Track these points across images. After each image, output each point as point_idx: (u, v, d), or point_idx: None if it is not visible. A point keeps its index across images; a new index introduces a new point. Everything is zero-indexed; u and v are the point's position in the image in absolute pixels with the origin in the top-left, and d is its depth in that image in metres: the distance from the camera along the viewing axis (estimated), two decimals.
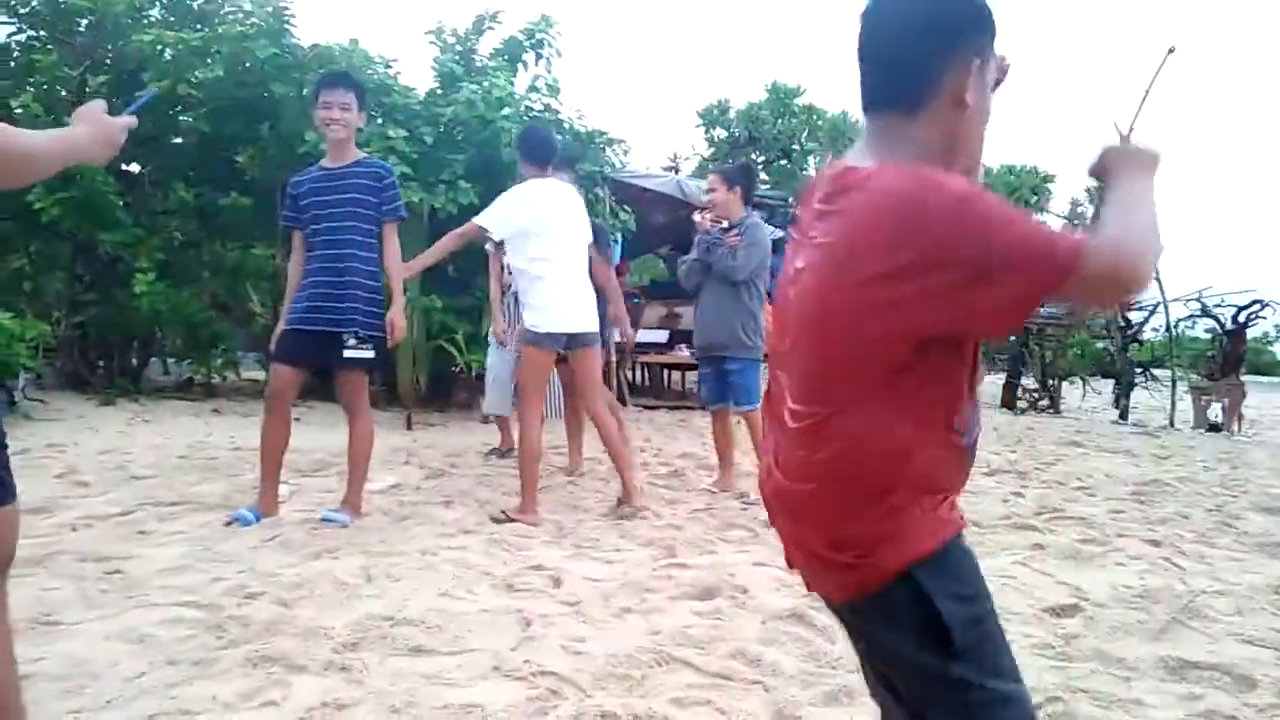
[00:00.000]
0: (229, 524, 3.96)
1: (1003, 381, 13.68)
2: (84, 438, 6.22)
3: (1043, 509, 5.06)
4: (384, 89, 8.44)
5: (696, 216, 5.43)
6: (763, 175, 17.58)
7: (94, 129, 1.74)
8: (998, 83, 1.35)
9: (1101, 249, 1.12)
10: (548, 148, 4.73)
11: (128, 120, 1.81)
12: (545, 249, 4.47)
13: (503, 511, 4.41)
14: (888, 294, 1.17)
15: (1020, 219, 1.16)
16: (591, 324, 4.65)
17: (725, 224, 5.20)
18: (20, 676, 2.25)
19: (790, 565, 1.43)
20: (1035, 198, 13.36)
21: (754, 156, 16.44)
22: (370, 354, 4.12)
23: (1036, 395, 13.75)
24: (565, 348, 4.62)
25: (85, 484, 4.73)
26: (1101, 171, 1.32)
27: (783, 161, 21.19)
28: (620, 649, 2.70)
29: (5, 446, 1.69)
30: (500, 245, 4.89)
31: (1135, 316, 13.34)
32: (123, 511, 4.14)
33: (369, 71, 8.45)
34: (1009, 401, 13.48)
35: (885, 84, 1.31)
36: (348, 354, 4.04)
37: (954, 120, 1.29)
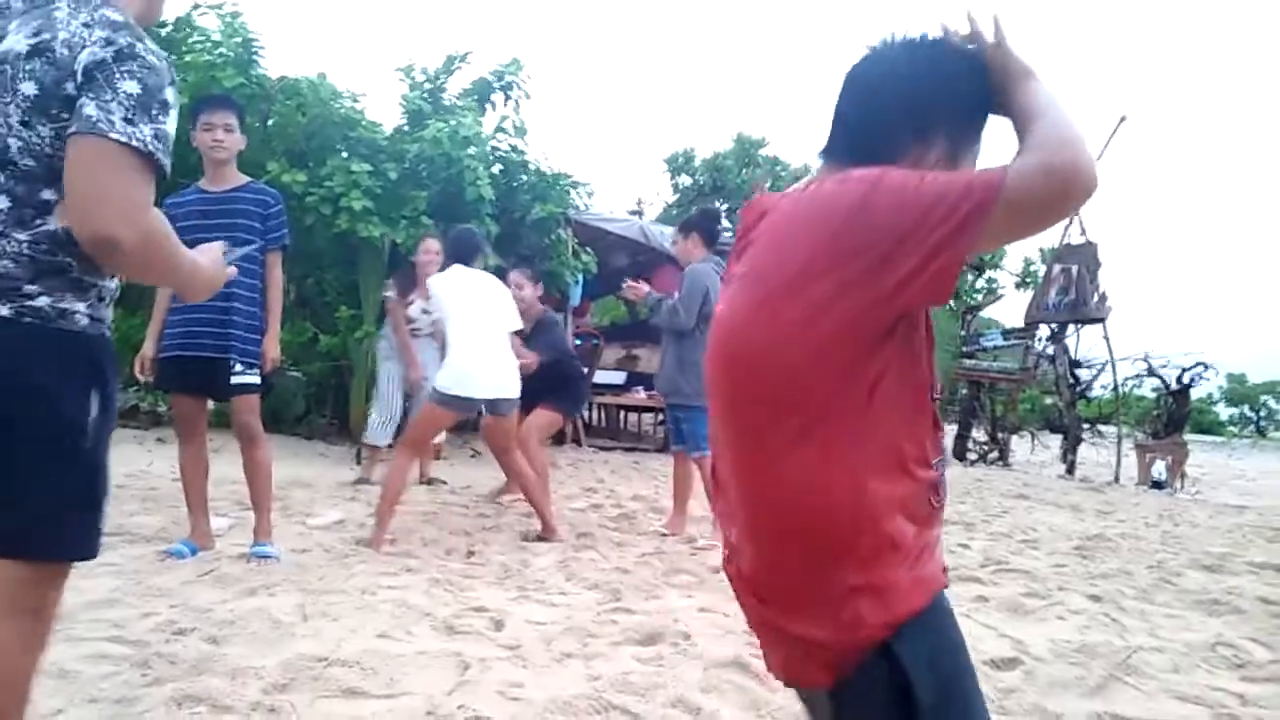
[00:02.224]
0: (164, 558, 3.86)
1: (954, 433, 13.85)
2: None
3: (988, 561, 5.10)
4: (350, 123, 8.43)
5: (625, 285, 5.69)
6: (725, 223, 17.72)
7: (209, 273, 1.75)
8: None
9: (1025, 161, 1.09)
10: (466, 242, 5.22)
11: (231, 271, 1.86)
12: (459, 329, 4.85)
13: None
14: (819, 291, 1.13)
15: (930, 176, 1.13)
16: (507, 391, 4.94)
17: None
18: None
19: (768, 665, 1.32)
20: (990, 255, 13.64)
21: (718, 204, 16.62)
22: (257, 379, 4.04)
23: (987, 448, 13.93)
24: (481, 412, 5.04)
25: None
26: (998, 89, 1.25)
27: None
28: (559, 695, 2.65)
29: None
30: (402, 293, 6.07)
31: (1084, 375, 13.63)
32: None
33: (336, 105, 8.44)
34: (959, 453, 13.64)
35: (848, 140, 1.29)
36: (235, 380, 3.95)
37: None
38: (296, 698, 2.51)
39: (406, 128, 9.03)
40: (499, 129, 9.45)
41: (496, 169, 9.26)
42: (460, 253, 5.16)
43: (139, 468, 6.34)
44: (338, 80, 8.99)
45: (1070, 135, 1.11)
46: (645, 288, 5.48)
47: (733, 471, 1.26)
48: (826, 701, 1.23)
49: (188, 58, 8.31)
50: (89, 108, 1.48)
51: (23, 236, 1.52)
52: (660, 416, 11.12)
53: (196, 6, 8.86)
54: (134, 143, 1.48)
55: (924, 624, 1.16)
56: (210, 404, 4.23)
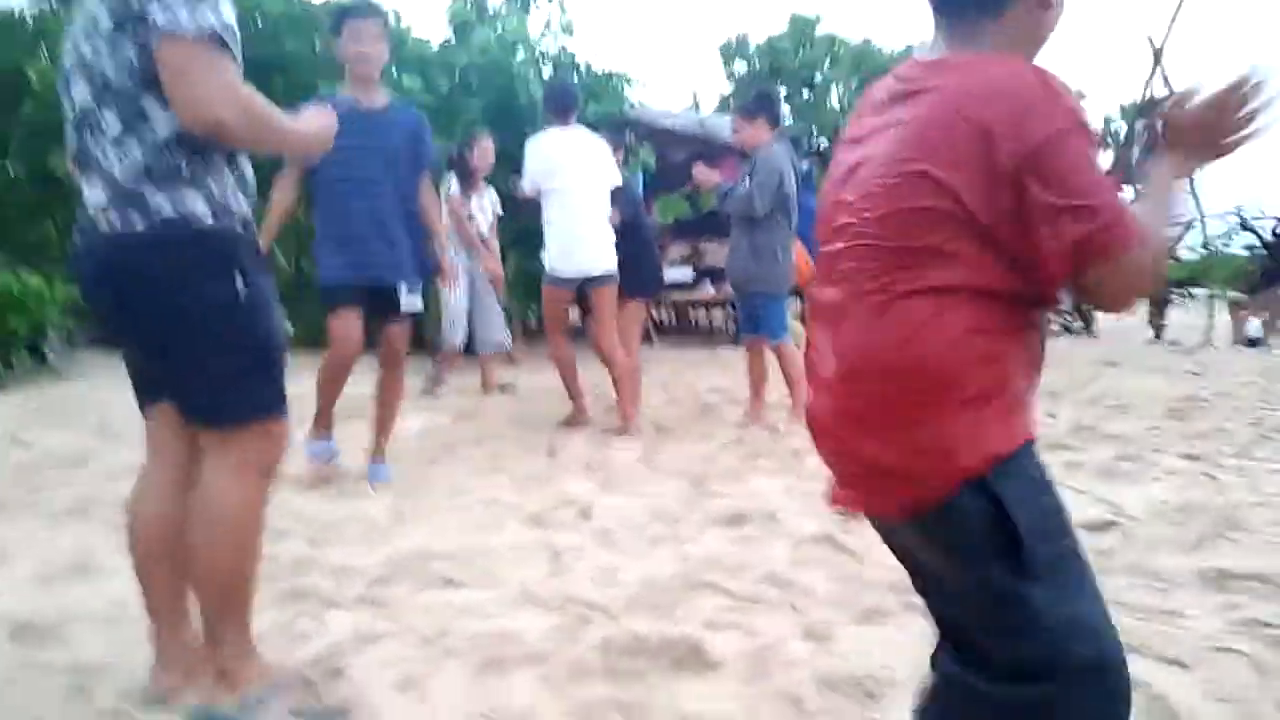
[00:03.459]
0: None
1: None
2: (113, 393, 6.28)
3: (1078, 428, 4.98)
4: (399, 38, 8.33)
5: (697, 171, 5.42)
6: (785, 108, 17.23)
7: (319, 127, 1.98)
8: None
9: (1149, 249, 1.14)
10: (565, 98, 5.03)
11: (333, 121, 2.03)
12: (560, 195, 4.78)
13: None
14: (965, 178, 1.14)
15: (1104, 172, 1.15)
16: (605, 266, 4.93)
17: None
18: (56, 619, 2.33)
19: (842, 488, 1.32)
20: None
21: (776, 87, 16.11)
22: (420, 304, 3.96)
23: (1070, 317, 13.52)
24: (581, 287, 4.95)
25: (118, 435, 4.79)
26: (1177, 136, 1.26)
27: (806, 93, 20.80)
28: (651, 576, 2.70)
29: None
30: (463, 191, 6.00)
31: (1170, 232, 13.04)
32: None
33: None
34: None
35: None
36: (404, 305, 3.83)
37: (1038, 18, 1.25)
38: (398, 590, 2.60)
39: (453, 40, 8.88)
40: (546, 29, 9.23)
41: (547, 71, 9.08)
42: (557, 107, 5.00)
43: None
44: None
45: (1166, 251, 1.24)
46: (716, 174, 5.33)
47: (844, 310, 1.26)
48: (913, 531, 1.25)
49: None
50: (156, 15, 1.64)
51: (138, 151, 1.71)
52: (731, 310, 11.03)
53: None
54: (205, 30, 1.63)
55: (1015, 467, 1.17)
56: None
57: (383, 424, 4.00)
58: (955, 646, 1.28)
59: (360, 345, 3.82)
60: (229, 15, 1.71)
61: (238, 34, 1.73)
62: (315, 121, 1.98)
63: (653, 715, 1.92)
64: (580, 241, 4.86)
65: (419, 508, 3.45)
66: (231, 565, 1.89)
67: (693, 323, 12.89)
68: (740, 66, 18.72)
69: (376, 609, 2.48)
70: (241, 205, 1.85)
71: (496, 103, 8.35)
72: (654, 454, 4.46)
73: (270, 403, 1.88)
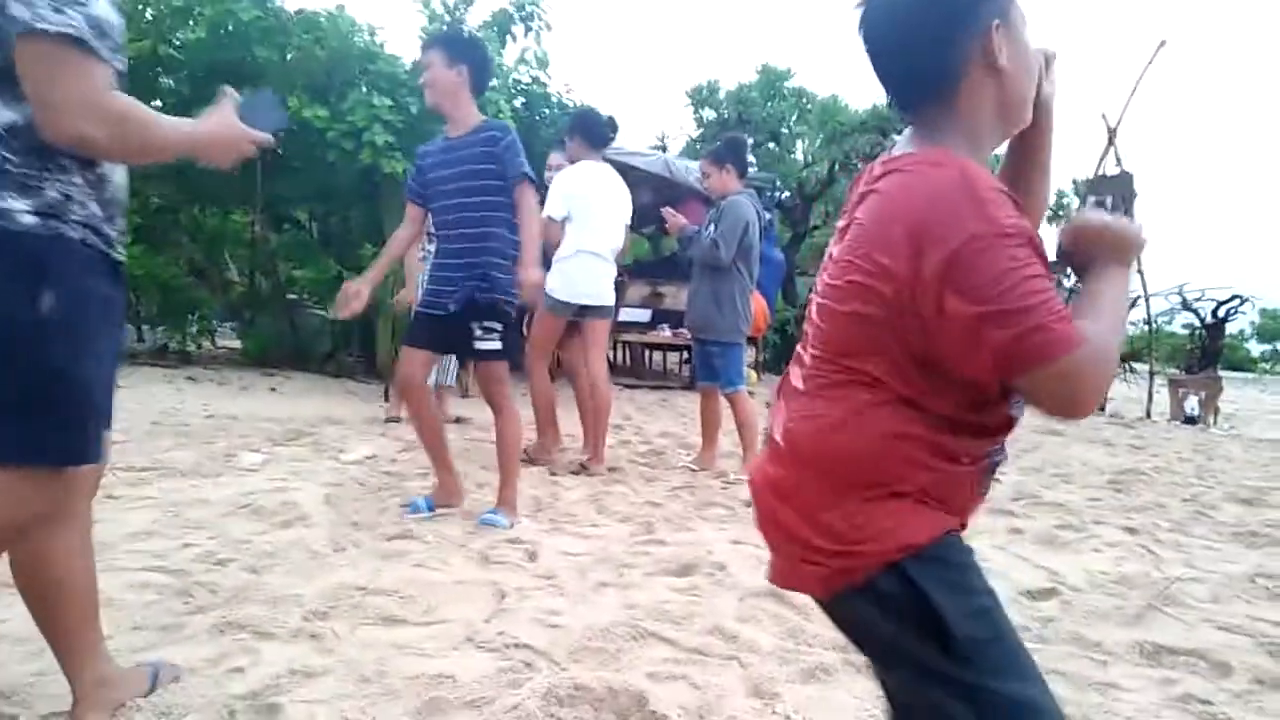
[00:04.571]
0: (406, 509, 3.82)
1: None
2: None
3: (1020, 495, 5.07)
4: (370, 56, 8.32)
5: (666, 214, 5.46)
6: (750, 158, 17.48)
7: (219, 131, 1.79)
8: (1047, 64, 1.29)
9: (1091, 351, 1.07)
10: (604, 130, 5.15)
11: (260, 136, 1.85)
12: (578, 228, 4.87)
13: (581, 464, 4.97)
14: (893, 288, 1.13)
15: (1044, 279, 1.09)
16: (606, 298, 5.05)
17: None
18: None
19: (771, 555, 1.33)
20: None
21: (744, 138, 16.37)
22: (497, 344, 3.71)
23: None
24: (577, 316, 5.03)
25: None
26: (1077, 251, 1.23)
27: (771, 144, 21.09)
28: (595, 622, 2.66)
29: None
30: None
31: None
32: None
33: (355, 38, 8.32)
34: None
35: (908, 82, 1.26)
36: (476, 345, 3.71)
37: (993, 90, 1.23)
38: (337, 624, 2.53)
39: None
40: (520, 60, 9.30)
41: (519, 102, 9.13)
42: (593, 139, 5.04)
43: (171, 405, 6.39)
44: (356, 12, 8.86)
45: (1114, 363, 1.14)
46: (682, 219, 5.37)
47: (794, 390, 1.29)
48: (836, 610, 1.27)
49: None
50: (16, 9, 1.47)
51: None
52: (685, 355, 11.07)
53: None
54: (68, 30, 1.47)
55: (933, 553, 1.16)
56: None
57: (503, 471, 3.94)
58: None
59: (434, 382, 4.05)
60: (103, 11, 1.55)
61: (116, 31, 1.58)
62: (214, 125, 1.79)
63: None
64: (589, 272, 4.94)
65: (361, 539, 3.38)
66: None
67: (647, 365, 12.90)
68: (709, 112, 18.91)
69: (314, 643, 2.41)
70: (90, 212, 1.64)
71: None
72: (603, 496, 4.42)
73: (51, 448, 1.62)
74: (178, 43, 7.98)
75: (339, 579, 2.89)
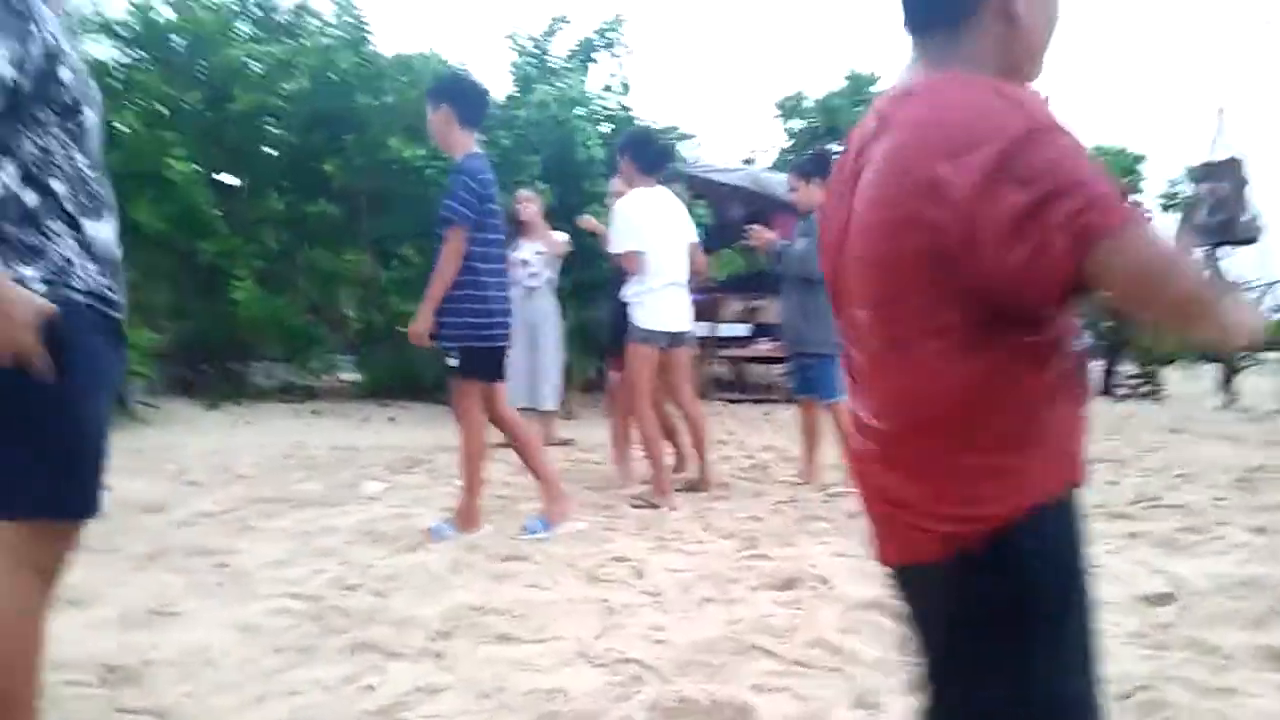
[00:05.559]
0: (429, 535, 3.95)
1: (1101, 368, 13.20)
2: (192, 439, 6.57)
3: (1140, 497, 4.91)
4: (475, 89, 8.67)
5: (750, 232, 5.50)
6: None
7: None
8: None
9: (1152, 237, 1.00)
10: (660, 157, 5.08)
11: (40, 307, 1.59)
12: (658, 257, 4.80)
13: (638, 497, 4.76)
14: (935, 212, 1.06)
15: (1090, 159, 1.04)
16: (689, 324, 5.03)
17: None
18: (138, 663, 2.43)
19: (873, 531, 1.29)
20: (1126, 181, 12.83)
21: (831, 147, 16.22)
22: (451, 363, 3.95)
23: (1137, 382, 13.23)
24: (665, 346, 4.92)
25: (195, 483, 5.00)
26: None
27: None
28: (700, 637, 2.75)
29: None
30: (514, 246, 5.76)
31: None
32: (229, 508, 4.37)
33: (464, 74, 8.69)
34: (1107, 388, 13.01)
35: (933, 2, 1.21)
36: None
37: (1005, 36, 1.18)
38: (457, 643, 2.69)
39: (517, 93, 9.20)
40: (605, 87, 9.52)
41: (605, 127, 9.34)
42: (649, 166, 4.92)
43: (297, 439, 6.77)
44: (447, 53, 9.24)
45: (1174, 283, 1.03)
46: (770, 235, 5.42)
47: (869, 358, 1.25)
48: (933, 581, 1.21)
49: (306, 42, 8.68)
50: None
51: None
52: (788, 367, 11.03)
53: None
54: None
55: (1051, 520, 1.13)
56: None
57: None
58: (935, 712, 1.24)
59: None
60: None
61: (4, 79, 1.54)
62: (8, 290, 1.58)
63: None
64: (675, 301, 4.93)
65: (476, 561, 3.55)
66: None
67: (749, 379, 12.90)
68: (797, 123, 18.79)
69: (437, 661, 2.57)
70: (90, 274, 1.69)
71: (555, 157, 8.60)
72: (706, 513, 4.50)
73: (64, 502, 1.68)
74: (284, 93, 8.46)
75: (457, 600, 3.05)
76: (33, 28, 1.58)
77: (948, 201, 1.04)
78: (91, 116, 1.73)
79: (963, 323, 1.10)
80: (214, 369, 9.53)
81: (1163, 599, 3.13)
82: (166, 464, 5.51)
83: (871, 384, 1.24)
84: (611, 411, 5.60)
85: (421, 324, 3.89)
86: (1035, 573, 1.11)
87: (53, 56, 1.61)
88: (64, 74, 1.64)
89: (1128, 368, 13.57)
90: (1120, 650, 2.66)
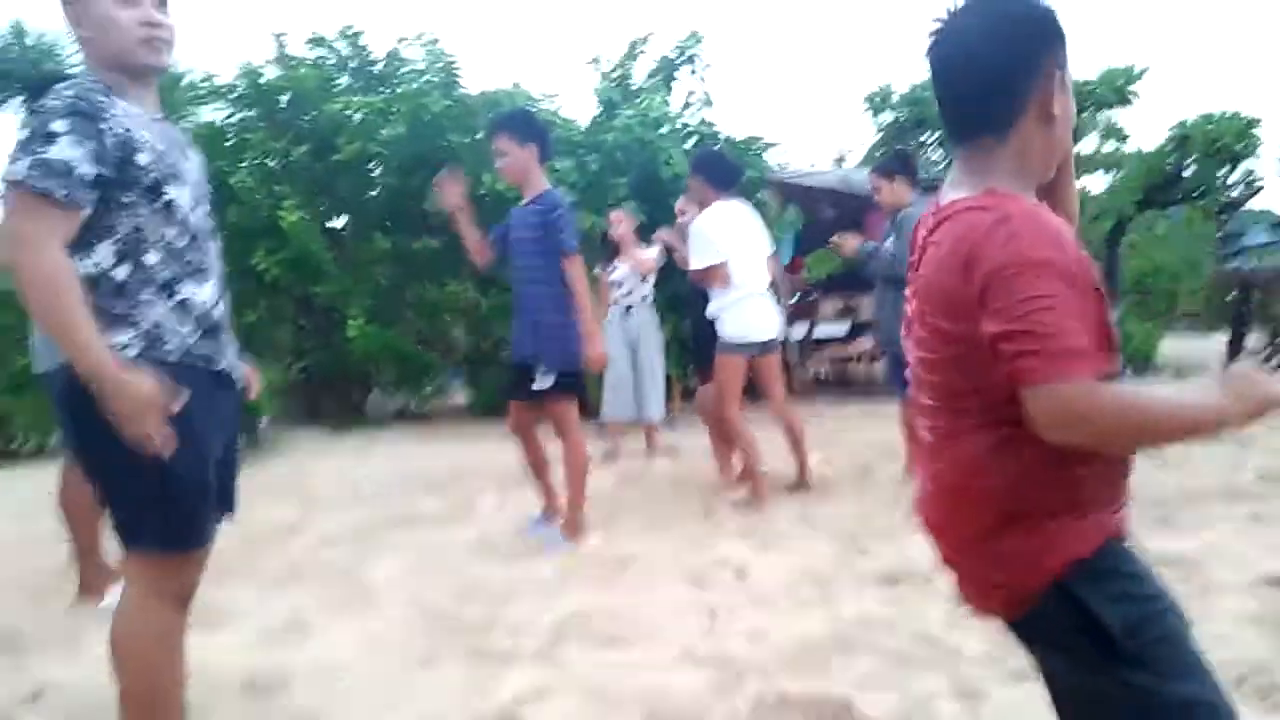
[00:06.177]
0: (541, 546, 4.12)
1: (1226, 341, 12.54)
2: (319, 465, 6.95)
3: (1265, 476, 4.71)
4: (547, 125, 8.93)
5: (831, 242, 5.47)
6: (935, 155, 16.99)
7: (123, 387, 1.75)
8: None
9: (1096, 400, 1.12)
10: (734, 173, 5.17)
11: (159, 387, 1.79)
12: (741, 268, 4.85)
13: (742, 501, 4.84)
14: (951, 326, 1.24)
15: (1061, 306, 1.14)
16: (776, 331, 5.06)
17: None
18: (278, 676, 2.65)
19: (960, 584, 1.42)
20: (1242, 144, 12.14)
21: (922, 138, 15.94)
22: (547, 384, 4.08)
23: (1269, 352, 12.49)
24: (755, 354, 4.96)
25: (323, 506, 5.31)
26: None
27: None
28: (803, 635, 2.82)
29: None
30: (610, 268, 6.05)
31: None
32: (355, 528, 4.64)
33: (534, 111, 8.96)
34: (1232, 360, 12.34)
35: (972, 113, 1.33)
36: (536, 384, 4.10)
37: (1043, 135, 1.31)
38: (567, 648, 2.83)
39: (602, 117, 9.41)
40: (686, 104, 9.64)
41: (689, 144, 9.45)
42: (723, 181, 4.99)
43: (416, 461, 7.06)
44: (531, 85, 9.53)
45: (1129, 442, 1.24)
46: (854, 240, 5.43)
47: (924, 437, 1.40)
48: (1017, 631, 1.35)
49: (399, 89, 9.10)
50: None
51: None
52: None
53: (402, 39, 9.69)
54: (12, 177, 1.72)
55: (1097, 565, 1.23)
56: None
57: (548, 491, 4.42)
58: None
59: (515, 421, 4.32)
60: (61, 153, 1.73)
61: (69, 169, 1.73)
62: (115, 374, 1.74)
63: None
64: (761, 310, 4.98)
65: (585, 569, 3.69)
66: (130, 689, 1.89)
67: (849, 379, 12.78)
68: (886, 116, 18.51)
69: (550, 665, 2.71)
70: (182, 335, 1.89)
71: (641, 177, 8.77)
72: (810, 512, 4.55)
73: (176, 537, 1.91)
74: (382, 139, 8.87)
75: (568, 606, 3.19)
76: (103, 124, 1.80)
77: (963, 319, 1.22)
78: (179, 192, 1.93)
79: (995, 420, 1.24)
80: (335, 399, 10.04)
81: None
82: (297, 489, 5.86)
83: (931, 457, 1.39)
84: (706, 421, 5.67)
85: (594, 349, 4.12)
86: (1097, 609, 1.20)
87: (127, 144, 1.83)
88: (141, 158, 1.84)
89: (1256, 339, 12.85)
90: (1238, 634, 2.62)
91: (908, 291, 1.42)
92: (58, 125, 1.74)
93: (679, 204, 5.68)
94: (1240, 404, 1.19)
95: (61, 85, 1.81)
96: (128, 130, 1.82)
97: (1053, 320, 1.13)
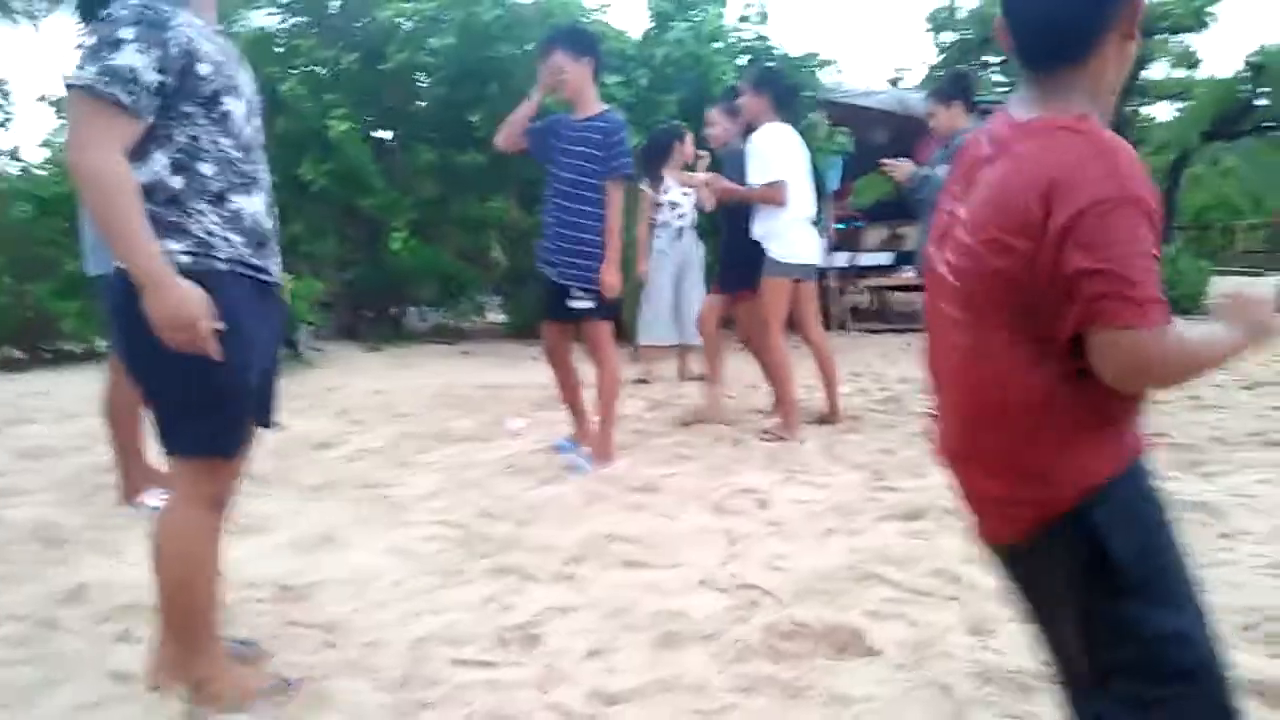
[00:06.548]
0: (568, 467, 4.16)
1: (1277, 284, 12.13)
2: (355, 381, 7.09)
3: None
4: (599, 37, 8.73)
5: (886, 167, 5.28)
6: (998, 77, 16.42)
7: (171, 295, 1.79)
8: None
9: (1164, 342, 1.14)
10: (793, 95, 5.14)
11: (202, 295, 1.83)
12: (794, 191, 4.78)
13: (768, 431, 4.80)
14: (1023, 243, 1.20)
15: (1153, 258, 1.16)
16: (819, 258, 5.09)
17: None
18: (308, 583, 2.75)
19: (969, 513, 1.44)
20: None
21: (987, 60, 15.39)
22: (591, 304, 4.10)
23: None
24: (800, 279, 4.93)
25: (358, 421, 5.44)
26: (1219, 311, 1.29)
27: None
28: (821, 565, 2.85)
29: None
30: (656, 187, 5.96)
31: None
32: (389, 444, 4.75)
33: (586, 21, 8.75)
34: None
35: (1052, 38, 1.28)
36: (572, 304, 4.11)
37: (1120, 56, 1.28)
38: (588, 569, 2.89)
39: (655, 30, 9.18)
40: (742, 18, 9.37)
41: (743, 59, 9.22)
42: (782, 100, 4.91)
43: (449, 379, 7.17)
44: None
45: (1180, 376, 1.22)
46: (907, 165, 5.28)
47: (947, 356, 1.39)
48: (1025, 559, 1.35)
49: None
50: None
51: None
52: None
53: None
54: (79, 82, 1.74)
55: (1115, 492, 1.24)
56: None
57: (579, 414, 4.42)
58: (1074, 686, 1.36)
59: (549, 343, 4.32)
60: (127, 59, 1.76)
61: (136, 76, 1.76)
62: (168, 281, 1.79)
63: (809, 694, 2.08)
64: (805, 233, 4.92)
65: (610, 492, 3.75)
66: (169, 586, 1.96)
67: (891, 309, 12.64)
68: (949, 36, 17.88)
69: (570, 584, 2.78)
70: (233, 245, 1.93)
71: (692, 94, 8.58)
72: (836, 445, 4.55)
73: (217, 442, 1.96)
74: (432, 49, 8.76)
75: (591, 529, 3.26)
76: (168, 34, 1.82)
77: (1032, 239, 1.19)
78: (236, 104, 1.97)
79: (1030, 336, 1.24)
80: (374, 314, 10.16)
81: None
82: (332, 404, 6.00)
83: (952, 381, 1.38)
84: (746, 344, 5.60)
85: (614, 276, 4.10)
86: (1110, 539, 1.22)
87: (190, 54, 1.85)
88: (202, 69, 1.88)
89: None
90: (1254, 581, 2.60)
91: (950, 196, 1.39)
92: (125, 33, 1.77)
93: (710, 114, 5.43)
94: (1249, 333, 1.24)
95: (122, 6, 1.83)
96: (190, 40, 1.86)
97: (1144, 266, 1.14)
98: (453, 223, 10.20)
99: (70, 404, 5.70)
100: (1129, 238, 1.14)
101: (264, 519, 3.35)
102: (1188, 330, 1.19)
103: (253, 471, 2.15)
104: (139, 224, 1.77)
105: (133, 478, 3.56)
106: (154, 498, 3.36)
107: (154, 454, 3.28)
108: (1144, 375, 1.19)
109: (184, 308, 1.79)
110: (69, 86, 1.78)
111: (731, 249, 5.21)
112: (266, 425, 2.16)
